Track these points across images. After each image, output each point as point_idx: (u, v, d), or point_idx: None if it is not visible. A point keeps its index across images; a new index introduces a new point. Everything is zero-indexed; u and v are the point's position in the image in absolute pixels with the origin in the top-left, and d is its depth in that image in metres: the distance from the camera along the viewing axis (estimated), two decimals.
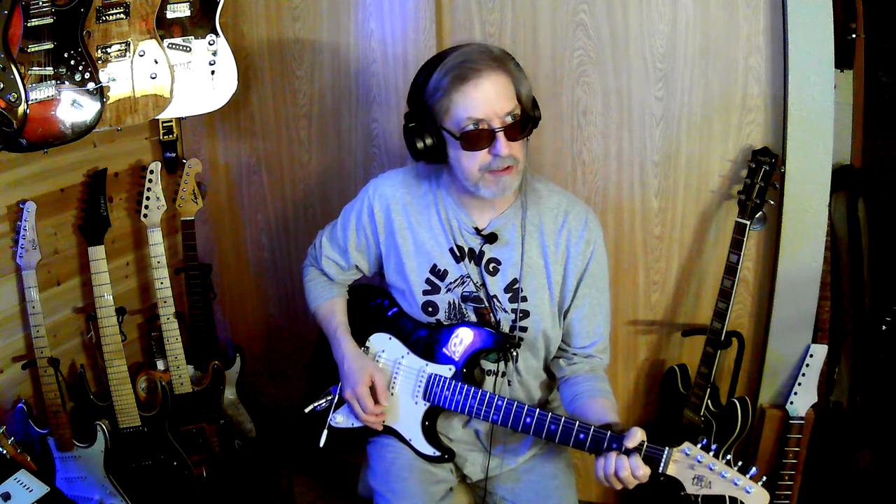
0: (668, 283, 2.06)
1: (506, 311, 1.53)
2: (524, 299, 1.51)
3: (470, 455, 1.61)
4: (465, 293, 1.54)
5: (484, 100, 1.35)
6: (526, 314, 1.52)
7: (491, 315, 1.54)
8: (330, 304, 1.68)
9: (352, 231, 1.65)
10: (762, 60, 1.82)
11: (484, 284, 1.53)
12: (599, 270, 1.55)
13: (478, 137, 1.36)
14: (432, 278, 1.55)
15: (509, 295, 1.52)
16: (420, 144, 1.43)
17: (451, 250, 1.54)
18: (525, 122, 1.40)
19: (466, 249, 1.54)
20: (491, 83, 1.35)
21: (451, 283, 1.54)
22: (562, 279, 1.53)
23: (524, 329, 1.53)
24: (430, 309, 1.57)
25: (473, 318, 1.55)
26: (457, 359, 1.52)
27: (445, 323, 1.56)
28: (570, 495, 1.57)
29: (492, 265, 1.53)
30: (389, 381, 1.57)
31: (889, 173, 2.15)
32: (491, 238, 1.51)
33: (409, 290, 1.58)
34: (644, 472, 1.28)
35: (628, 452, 1.28)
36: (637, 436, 1.29)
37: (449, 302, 1.55)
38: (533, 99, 1.44)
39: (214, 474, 2.29)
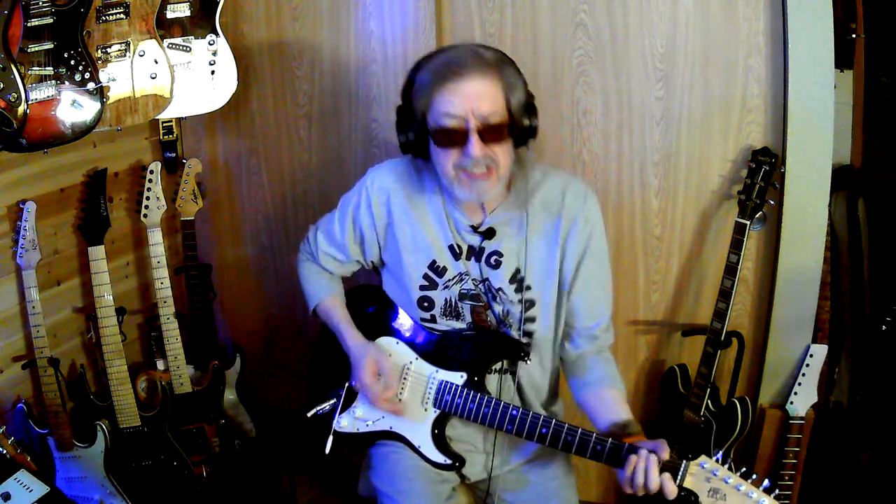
0: (668, 283, 2.06)
1: (513, 303, 1.52)
2: (528, 288, 1.50)
3: (469, 456, 1.60)
4: (462, 291, 1.53)
5: (461, 99, 1.33)
6: (532, 303, 1.51)
7: (488, 313, 1.53)
8: (329, 301, 1.66)
9: (349, 223, 1.63)
10: (762, 60, 1.82)
11: (486, 279, 1.52)
12: (600, 248, 1.53)
13: (450, 135, 1.35)
14: (430, 274, 1.54)
15: (514, 286, 1.51)
16: (404, 139, 1.45)
17: (451, 247, 1.53)
18: (510, 128, 1.38)
19: (465, 247, 1.53)
20: (474, 85, 1.33)
21: (449, 280, 1.53)
22: (561, 258, 1.51)
23: (532, 319, 1.52)
24: (425, 304, 1.56)
25: (469, 317, 1.54)
26: (468, 366, 1.50)
27: (459, 327, 1.55)
28: (571, 496, 1.57)
29: (493, 258, 1.51)
30: (399, 371, 1.56)
31: (889, 173, 2.15)
32: (489, 233, 1.50)
33: (405, 285, 1.57)
34: (672, 490, 1.27)
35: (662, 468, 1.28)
36: (666, 450, 1.28)
37: (445, 299, 1.54)
38: (528, 108, 1.41)
39: (214, 474, 2.29)
